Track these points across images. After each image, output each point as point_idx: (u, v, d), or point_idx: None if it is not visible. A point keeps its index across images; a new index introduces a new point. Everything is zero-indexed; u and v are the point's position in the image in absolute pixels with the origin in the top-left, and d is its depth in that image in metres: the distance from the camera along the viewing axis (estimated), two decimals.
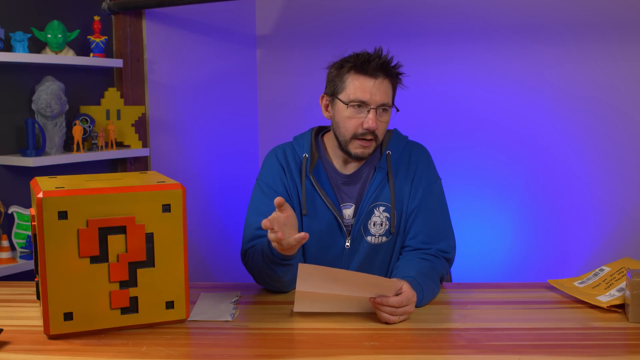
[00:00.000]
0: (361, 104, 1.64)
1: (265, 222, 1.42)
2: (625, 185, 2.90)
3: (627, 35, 2.82)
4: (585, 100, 2.92)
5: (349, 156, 1.71)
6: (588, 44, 2.88)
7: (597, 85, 2.90)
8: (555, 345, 1.30)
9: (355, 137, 1.66)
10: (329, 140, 1.78)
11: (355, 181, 1.75)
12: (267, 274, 1.61)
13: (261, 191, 1.75)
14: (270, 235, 1.45)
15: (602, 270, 1.66)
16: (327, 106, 1.73)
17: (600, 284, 1.60)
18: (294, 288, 1.64)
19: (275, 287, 1.66)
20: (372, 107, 1.63)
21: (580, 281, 1.65)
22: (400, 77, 1.70)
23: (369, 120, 1.63)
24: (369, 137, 1.65)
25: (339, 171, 1.76)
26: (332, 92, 1.70)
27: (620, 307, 1.49)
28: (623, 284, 1.54)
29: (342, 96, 1.67)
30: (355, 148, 1.67)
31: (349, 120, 1.66)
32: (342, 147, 1.70)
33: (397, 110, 1.72)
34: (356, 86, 1.64)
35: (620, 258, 1.70)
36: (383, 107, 1.65)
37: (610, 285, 1.57)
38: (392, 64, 1.67)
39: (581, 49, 2.90)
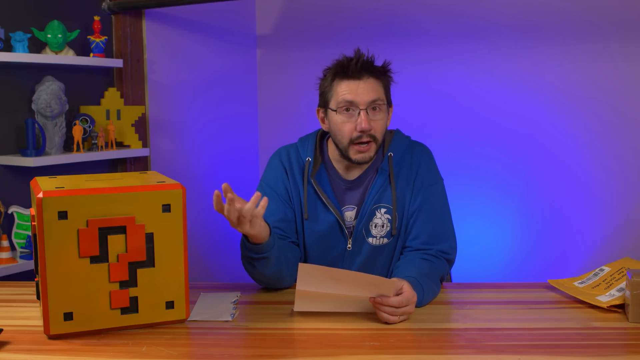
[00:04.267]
0: (350, 107, 1.63)
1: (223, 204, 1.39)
2: (625, 185, 2.90)
3: (627, 35, 2.82)
4: (585, 100, 2.92)
5: (350, 162, 1.70)
6: (588, 44, 2.88)
7: (597, 85, 2.89)
8: (555, 345, 1.30)
9: (352, 142, 1.65)
10: (332, 144, 1.77)
11: (358, 186, 1.74)
12: (252, 271, 1.61)
13: (262, 192, 1.75)
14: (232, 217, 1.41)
15: (602, 270, 1.65)
16: (323, 119, 1.74)
17: (600, 284, 1.60)
18: (292, 284, 1.65)
19: (268, 283, 1.66)
20: (361, 107, 1.62)
21: (580, 281, 1.65)
22: (389, 73, 1.70)
23: (361, 121, 1.61)
24: (365, 139, 1.64)
25: (342, 177, 1.75)
26: (324, 103, 1.70)
27: (620, 307, 1.49)
28: (623, 284, 1.54)
29: (332, 104, 1.67)
30: (355, 154, 1.66)
31: (342, 126, 1.65)
32: (343, 155, 1.69)
33: (391, 105, 1.72)
34: (342, 89, 1.64)
35: (620, 258, 1.70)
36: (374, 105, 1.64)
37: (610, 285, 1.56)
38: (376, 63, 1.67)
39: (581, 49, 2.90)
